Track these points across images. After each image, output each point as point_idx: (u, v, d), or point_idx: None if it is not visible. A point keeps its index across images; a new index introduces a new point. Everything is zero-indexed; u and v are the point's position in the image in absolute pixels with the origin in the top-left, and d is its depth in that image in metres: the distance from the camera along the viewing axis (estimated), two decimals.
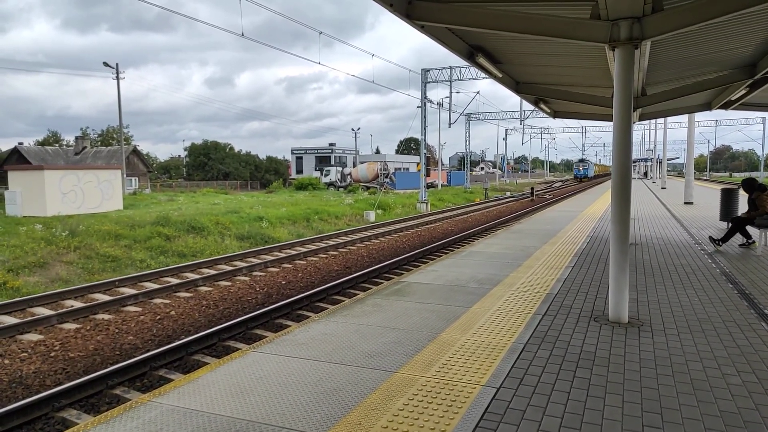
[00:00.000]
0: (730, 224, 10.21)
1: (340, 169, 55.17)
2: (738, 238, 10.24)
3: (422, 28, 6.20)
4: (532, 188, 43.80)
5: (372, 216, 25.48)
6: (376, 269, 12.07)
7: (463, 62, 8.65)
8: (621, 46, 5.05)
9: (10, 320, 8.53)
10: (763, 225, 9.39)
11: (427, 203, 31.57)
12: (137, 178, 51.91)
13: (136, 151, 56.71)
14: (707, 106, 13.16)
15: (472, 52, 7.97)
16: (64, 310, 8.96)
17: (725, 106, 12.42)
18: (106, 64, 38.80)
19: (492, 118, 55.26)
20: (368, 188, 45.72)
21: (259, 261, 13.43)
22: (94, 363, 6.95)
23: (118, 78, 39.16)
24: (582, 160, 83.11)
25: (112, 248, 14.34)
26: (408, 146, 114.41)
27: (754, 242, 9.91)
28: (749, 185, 9.81)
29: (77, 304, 9.61)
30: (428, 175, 48.33)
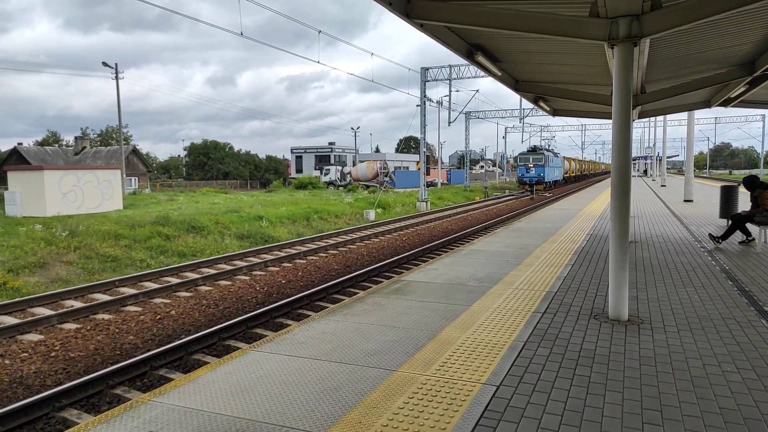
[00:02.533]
0: (730, 222, 10.21)
1: (339, 168, 55.21)
2: (738, 236, 10.24)
3: (421, 27, 6.20)
4: (532, 186, 43.79)
5: (372, 215, 25.48)
6: (376, 268, 12.07)
7: (462, 61, 8.65)
8: (620, 44, 5.05)
9: (10, 320, 8.53)
10: (762, 222, 9.39)
11: (426, 202, 31.56)
12: (137, 178, 51.93)
13: (135, 151, 56.71)
14: (706, 104, 13.15)
15: (471, 50, 7.96)
16: (65, 310, 8.96)
17: (725, 103, 12.41)
18: (105, 64, 38.84)
19: (491, 117, 55.27)
20: (368, 187, 45.71)
21: (259, 260, 13.43)
22: (95, 363, 6.96)
23: (117, 78, 39.16)
24: (534, 150, 47.78)
25: (112, 248, 14.34)
26: (408, 145, 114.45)
27: (753, 239, 9.91)
28: (750, 183, 9.78)
29: (77, 304, 9.61)
30: (428, 173, 48.45)
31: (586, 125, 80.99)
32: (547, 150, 51.86)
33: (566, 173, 60.00)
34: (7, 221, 18.03)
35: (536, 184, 45.11)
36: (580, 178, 72.90)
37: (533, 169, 45.24)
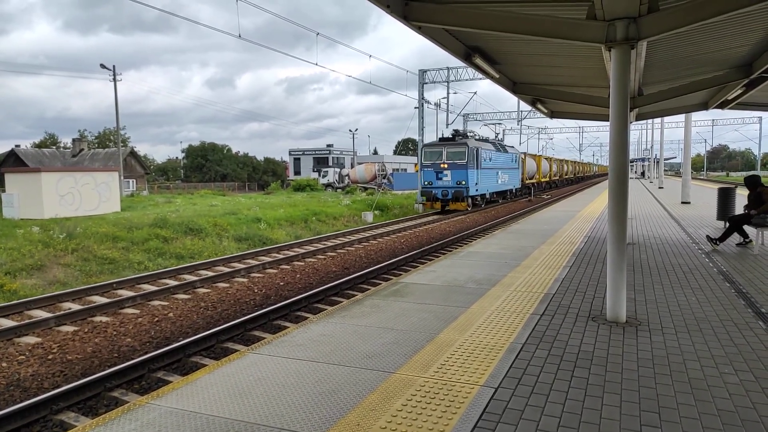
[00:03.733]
0: (728, 223, 10.24)
1: (338, 170, 55.31)
2: (735, 238, 10.26)
3: (419, 29, 6.21)
4: (446, 202, 41.97)
5: (370, 217, 25.47)
6: (374, 270, 12.07)
7: (460, 63, 8.68)
8: (617, 47, 5.07)
9: (7, 323, 8.50)
10: (760, 224, 9.42)
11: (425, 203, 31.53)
12: (135, 180, 51.86)
13: (133, 153, 56.67)
14: (704, 106, 13.20)
15: (469, 52, 7.98)
16: (62, 312, 8.94)
17: (722, 105, 12.46)
18: (103, 66, 38.80)
19: (490, 119, 55.27)
20: (366, 189, 45.72)
21: (257, 262, 13.42)
22: (92, 365, 6.94)
23: (115, 80, 39.15)
24: (452, 138, 28.18)
25: (110, 250, 14.31)
26: (406, 147, 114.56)
27: (751, 241, 9.94)
28: (753, 182, 9.81)
29: (75, 306, 9.59)
30: None
31: (584, 127, 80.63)
32: (484, 140, 31.40)
33: (531, 178, 42.84)
34: (4, 223, 17.98)
35: (453, 200, 26.23)
36: (562, 183, 58.35)
37: (449, 172, 26.19)
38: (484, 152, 28.65)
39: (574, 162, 73.01)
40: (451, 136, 28.26)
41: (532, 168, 43.92)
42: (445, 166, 26.49)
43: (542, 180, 48.01)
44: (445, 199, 26.57)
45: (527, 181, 41.82)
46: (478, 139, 30.46)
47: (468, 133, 30.13)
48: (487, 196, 30.24)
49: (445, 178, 26.55)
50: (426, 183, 27.18)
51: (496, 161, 31.36)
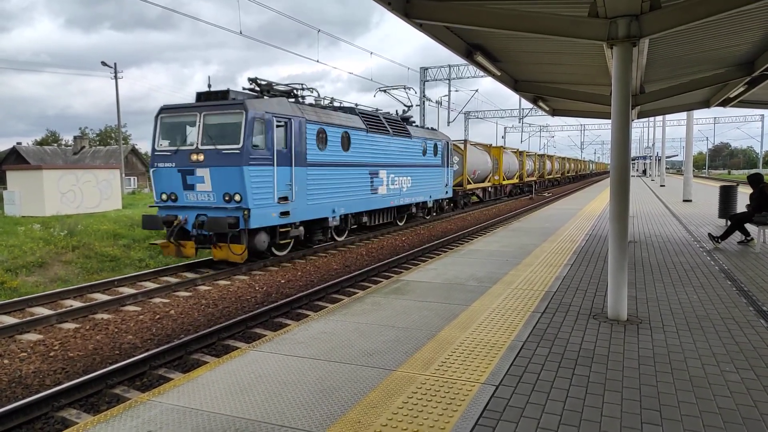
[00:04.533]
0: (729, 222, 10.23)
1: None
2: (737, 236, 10.25)
3: (420, 27, 6.21)
4: (531, 186, 43.38)
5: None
6: (375, 268, 12.07)
7: (462, 60, 8.67)
8: (619, 44, 5.06)
9: (9, 320, 8.52)
10: (761, 222, 9.41)
11: None
12: (136, 178, 51.93)
13: (134, 151, 56.75)
14: (705, 104, 13.18)
15: (470, 50, 7.97)
16: (63, 309, 8.95)
17: (723, 103, 12.43)
18: (104, 63, 38.81)
19: (491, 117, 55.31)
20: None
21: (259, 260, 13.41)
22: (94, 362, 6.95)
23: (116, 77, 39.14)
24: (223, 94, 11.37)
25: (111, 248, 14.32)
26: None
27: (752, 239, 9.93)
28: (755, 180, 9.81)
29: (76, 303, 9.60)
30: None
31: (586, 125, 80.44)
32: (331, 107, 15.06)
33: (483, 180, 29.27)
34: (5, 221, 18.01)
35: (217, 238, 11.10)
36: (543, 187, 47.01)
37: (206, 172, 10.99)
38: (312, 128, 13.03)
39: (563, 159, 58.16)
40: (221, 92, 12.06)
41: (483, 165, 28.80)
42: (200, 158, 11.38)
43: (505, 183, 32.29)
44: (201, 235, 11.59)
45: (472, 186, 27.11)
46: (301, 102, 13.78)
47: (279, 86, 13.22)
48: (336, 222, 14.56)
49: (200, 186, 11.48)
50: (163, 198, 11.96)
51: (371, 150, 15.93)
